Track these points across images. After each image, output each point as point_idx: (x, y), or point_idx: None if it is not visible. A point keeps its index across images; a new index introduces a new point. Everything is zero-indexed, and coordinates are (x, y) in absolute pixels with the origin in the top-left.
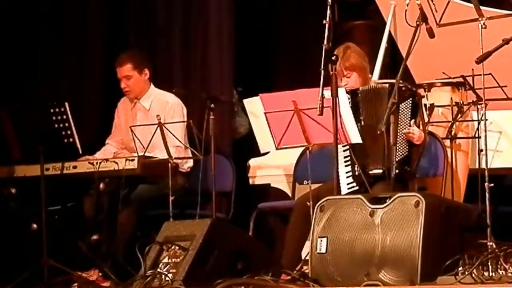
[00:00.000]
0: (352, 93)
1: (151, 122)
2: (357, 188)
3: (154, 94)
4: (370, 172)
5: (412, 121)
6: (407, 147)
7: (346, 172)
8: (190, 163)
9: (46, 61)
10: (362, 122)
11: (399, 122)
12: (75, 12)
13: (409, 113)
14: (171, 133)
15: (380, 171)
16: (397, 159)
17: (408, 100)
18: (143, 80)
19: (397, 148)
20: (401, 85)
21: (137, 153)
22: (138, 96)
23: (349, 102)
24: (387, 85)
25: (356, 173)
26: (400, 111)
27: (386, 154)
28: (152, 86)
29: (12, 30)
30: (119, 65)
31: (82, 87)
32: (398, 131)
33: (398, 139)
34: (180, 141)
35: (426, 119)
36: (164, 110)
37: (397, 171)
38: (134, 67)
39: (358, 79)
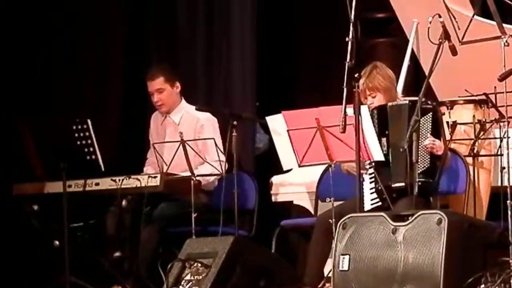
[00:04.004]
0: (381, 109)
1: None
2: (380, 203)
3: (185, 109)
4: (393, 185)
5: (429, 133)
6: (429, 159)
7: (370, 189)
8: (215, 183)
9: (68, 79)
10: (389, 138)
11: (420, 136)
12: (96, 28)
13: (430, 127)
14: (193, 150)
15: (402, 184)
16: (419, 171)
17: (428, 115)
18: (175, 93)
19: (419, 161)
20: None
21: (168, 169)
22: (169, 110)
23: (376, 118)
24: (406, 101)
25: (379, 188)
26: (420, 125)
27: (408, 170)
28: (183, 101)
29: (31, 46)
30: (151, 79)
31: (104, 104)
32: (420, 144)
33: (420, 153)
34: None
35: (448, 137)
36: (195, 127)
37: (419, 183)
38: (166, 80)
39: (383, 99)
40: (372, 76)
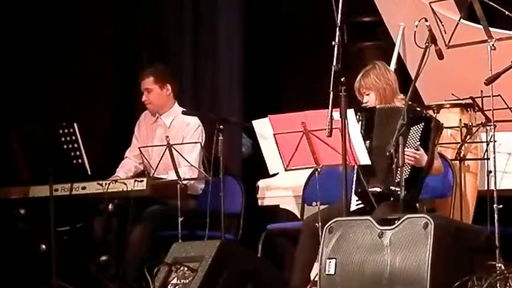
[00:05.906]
0: (369, 111)
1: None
2: (362, 206)
3: (177, 112)
4: (370, 190)
5: (418, 143)
6: (409, 170)
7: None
8: (202, 185)
9: (58, 83)
10: (373, 140)
11: (407, 145)
12: (87, 33)
13: (418, 137)
14: (180, 154)
15: (378, 189)
16: (396, 181)
17: (420, 124)
18: (165, 95)
19: (397, 171)
20: (418, 109)
21: (154, 172)
22: (159, 111)
23: (363, 119)
24: (403, 105)
25: (359, 191)
26: (410, 133)
27: (390, 174)
28: (176, 104)
29: (23, 49)
30: (142, 78)
31: (94, 108)
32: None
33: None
34: (189, 162)
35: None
36: (183, 131)
37: (399, 192)
38: (155, 81)
39: (375, 99)
40: (366, 75)
